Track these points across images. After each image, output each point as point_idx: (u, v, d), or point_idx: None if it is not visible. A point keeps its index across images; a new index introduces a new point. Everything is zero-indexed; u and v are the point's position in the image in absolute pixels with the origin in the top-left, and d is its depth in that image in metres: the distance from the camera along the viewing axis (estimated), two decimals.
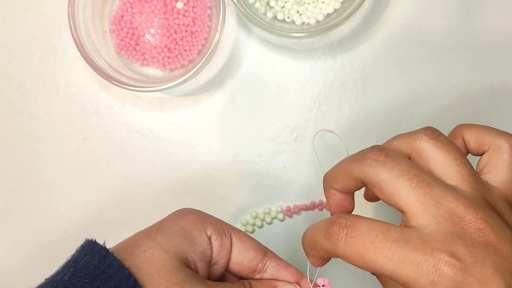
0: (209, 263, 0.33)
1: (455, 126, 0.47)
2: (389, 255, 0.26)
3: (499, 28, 0.47)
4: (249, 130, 0.48)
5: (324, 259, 0.33)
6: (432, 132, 0.31)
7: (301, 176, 0.48)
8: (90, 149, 0.48)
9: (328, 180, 0.33)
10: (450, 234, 0.26)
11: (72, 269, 0.29)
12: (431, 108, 0.47)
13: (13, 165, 0.49)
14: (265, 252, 0.35)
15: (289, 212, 0.47)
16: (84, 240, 0.31)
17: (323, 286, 0.35)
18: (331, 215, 0.34)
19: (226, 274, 0.36)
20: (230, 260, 0.34)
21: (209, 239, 0.33)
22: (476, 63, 0.47)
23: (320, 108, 0.48)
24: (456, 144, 0.33)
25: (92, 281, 0.28)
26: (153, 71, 0.48)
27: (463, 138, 0.34)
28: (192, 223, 0.33)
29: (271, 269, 0.35)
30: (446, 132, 0.48)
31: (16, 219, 0.49)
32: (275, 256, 0.35)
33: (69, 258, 0.31)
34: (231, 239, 0.34)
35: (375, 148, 0.31)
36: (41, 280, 0.31)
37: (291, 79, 0.48)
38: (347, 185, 0.32)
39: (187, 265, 0.31)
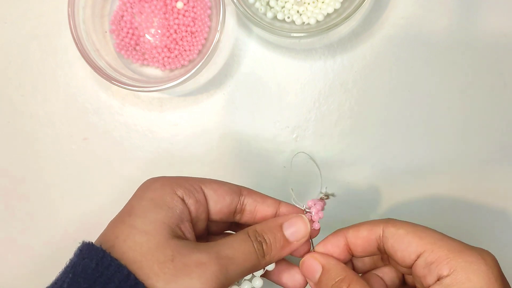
0: (192, 222, 0.32)
1: (455, 126, 0.47)
2: (436, 231, 0.31)
3: (499, 28, 0.47)
4: (249, 130, 0.48)
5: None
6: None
7: (301, 176, 0.48)
8: (90, 149, 0.48)
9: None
10: None
11: (71, 275, 0.28)
12: (431, 108, 0.47)
13: (13, 165, 0.49)
14: (240, 192, 0.34)
15: None
16: (81, 243, 0.30)
17: (314, 205, 0.35)
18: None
19: (210, 224, 0.35)
20: (210, 211, 0.33)
21: (182, 200, 0.32)
22: (476, 63, 0.47)
23: (320, 108, 0.48)
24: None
25: (91, 285, 0.27)
26: (153, 71, 0.48)
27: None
28: (160, 190, 0.32)
29: (249, 206, 0.34)
30: (447, 133, 0.48)
31: (16, 218, 0.49)
32: (250, 193, 0.35)
33: (67, 263, 0.30)
34: (203, 193, 0.33)
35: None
36: (41, 280, 0.31)
37: (291, 79, 0.48)
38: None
39: (172, 234, 0.30)
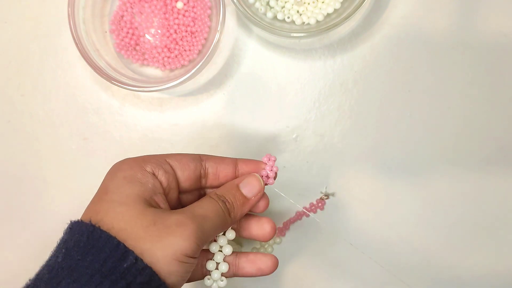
0: (164, 194, 0.35)
1: (455, 126, 0.48)
2: None
3: (499, 28, 0.47)
4: (249, 130, 0.48)
5: None
6: None
7: (301, 176, 0.48)
8: (90, 149, 0.48)
9: None
10: None
11: (64, 250, 0.31)
12: (431, 108, 0.47)
13: (13, 165, 0.49)
14: (200, 158, 0.37)
15: (283, 232, 0.48)
16: (70, 222, 0.33)
17: (266, 162, 0.38)
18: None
19: (181, 196, 0.38)
20: (179, 180, 0.36)
21: (153, 174, 0.34)
22: (476, 63, 0.47)
23: (320, 108, 0.48)
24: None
25: (84, 256, 0.29)
26: (153, 71, 0.48)
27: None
28: (130, 169, 0.34)
29: (211, 169, 0.38)
30: (447, 133, 0.48)
31: (16, 218, 0.49)
32: (209, 157, 0.38)
33: (58, 241, 0.32)
34: (170, 165, 0.36)
35: None
36: None
37: (291, 79, 0.48)
38: None
39: (148, 205, 0.32)
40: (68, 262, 0.30)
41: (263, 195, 0.38)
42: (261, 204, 0.38)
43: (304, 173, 0.48)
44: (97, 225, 0.31)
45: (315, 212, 0.48)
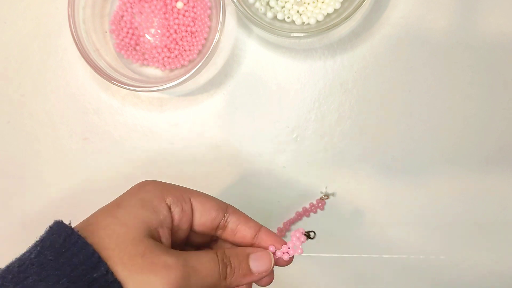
0: (171, 229, 0.34)
1: (455, 126, 0.48)
2: None
3: (499, 28, 0.47)
4: (249, 130, 0.48)
5: None
6: None
7: (301, 176, 0.48)
8: (90, 149, 0.48)
9: None
10: None
11: (39, 248, 0.31)
12: (431, 108, 0.47)
13: (13, 165, 0.49)
14: (225, 209, 0.36)
15: (283, 233, 0.48)
16: (53, 222, 0.32)
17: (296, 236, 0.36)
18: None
19: (191, 234, 0.37)
20: (193, 223, 0.35)
21: (169, 207, 0.34)
22: (476, 63, 0.47)
23: (320, 108, 0.48)
24: None
25: (57, 258, 0.29)
26: (153, 71, 0.48)
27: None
28: (151, 193, 0.33)
29: (231, 224, 0.36)
30: (447, 133, 0.48)
31: (16, 219, 0.49)
32: (235, 212, 0.36)
33: (37, 238, 0.32)
34: (191, 204, 0.35)
35: None
36: None
37: (291, 79, 0.48)
38: None
39: (149, 234, 0.32)
40: (40, 259, 0.30)
41: (270, 273, 0.36)
42: (265, 280, 0.36)
43: (304, 173, 0.48)
44: (82, 232, 0.30)
45: (315, 212, 0.48)
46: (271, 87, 0.48)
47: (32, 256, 0.30)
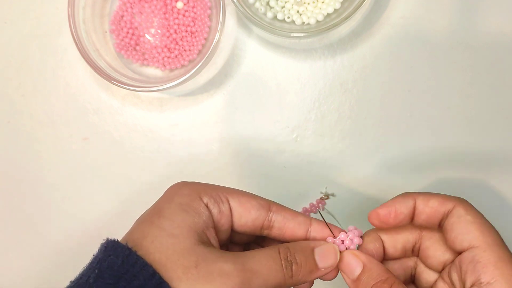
0: (216, 229, 0.33)
1: (455, 126, 0.47)
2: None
3: (499, 28, 0.47)
4: (249, 130, 0.48)
5: None
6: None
7: (301, 176, 0.48)
8: (90, 149, 0.48)
9: None
10: None
11: (97, 271, 0.29)
12: (431, 108, 0.47)
13: (13, 165, 0.49)
14: (268, 207, 0.34)
15: None
16: (105, 240, 0.31)
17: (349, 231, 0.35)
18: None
19: (235, 234, 0.35)
20: (234, 224, 0.33)
21: (207, 206, 0.32)
22: (476, 63, 0.47)
23: (320, 108, 0.48)
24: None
25: (117, 281, 0.28)
26: (153, 71, 0.48)
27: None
28: (188, 196, 0.32)
29: (278, 224, 0.34)
30: (447, 133, 0.48)
31: (16, 219, 0.49)
32: (280, 209, 0.34)
33: (92, 259, 0.30)
34: (229, 204, 0.33)
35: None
36: (40, 278, 0.31)
37: (291, 79, 0.48)
38: None
39: (199, 240, 0.30)
40: (100, 284, 0.28)
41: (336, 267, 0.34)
42: (331, 273, 0.34)
43: (304, 173, 0.48)
44: (133, 249, 0.29)
45: (315, 212, 0.48)
46: (271, 87, 0.48)
47: (91, 280, 0.28)
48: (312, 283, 0.35)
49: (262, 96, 0.48)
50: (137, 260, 0.28)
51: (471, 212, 0.32)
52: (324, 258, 0.33)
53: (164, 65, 0.47)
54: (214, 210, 0.32)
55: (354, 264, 0.33)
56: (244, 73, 0.48)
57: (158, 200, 0.33)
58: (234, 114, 0.48)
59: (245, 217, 0.33)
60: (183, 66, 0.47)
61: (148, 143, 0.48)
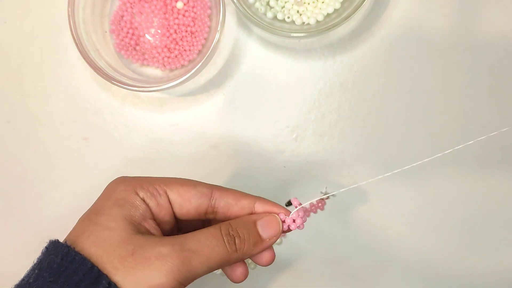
0: (158, 221, 0.33)
1: (455, 126, 0.47)
2: None
3: (499, 28, 0.47)
4: (249, 130, 0.48)
5: None
6: None
7: (301, 176, 0.48)
8: (90, 149, 0.48)
9: None
10: None
11: (37, 271, 0.30)
12: (431, 108, 0.47)
13: (13, 165, 0.49)
14: (210, 194, 0.34)
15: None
16: (48, 241, 0.32)
17: (296, 206, 0.35)
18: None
19: (182, 221, 0.35)
20: (175, 214, 0.33)
21: (144, 201, 0.32)
22: (476, 63, 0.47)
23: (320, 108, 0.48)
24: None
25: (57, 279, 0.28)
26: (153, 71, 0.48)
27: None
28: (123, 192, 0.32)
29: (222, 209, 0.34)
30: (447, 133, 0.48)
31: (16, 219, 0.49)
32: (222, 195, 0.34)
33: (35, 261, 0.31)
34: (167, 197, 0.33)
35: None
36: None
37: (291, 79, 0.48)
38: None
39: (136, 231, 0.31)
40: (40, 283, 0.29)
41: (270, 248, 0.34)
42: (266, 256, 0.35)
43: (304, 173, 0.48)
44: (72, 246, 0.30)
45: (315, 212, 0.48)
46: (271, 87, 0.48)
47: (31, 280, 0.29)
48: (273, 256, 0.35)
49: (262, 96, 0.48)
50: (75, 256, 0.29)
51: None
52: (267, 228, 0.33)
53: (164, 65, 0.47)
54: (152, 204, 0.33)
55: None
56: (244, 73, 0.48)
57: (97, 198, 0.34)
58: (234, 114, 0.48)
59: (186, 207, 0.33)
60: (183, 66, 0.47)
61: (148, 143, 0.48)
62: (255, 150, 0.48)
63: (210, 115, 0.48)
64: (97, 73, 0.44)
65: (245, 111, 0.48)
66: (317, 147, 0.48)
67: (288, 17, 0.46)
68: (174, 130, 0.48)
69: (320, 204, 0.48)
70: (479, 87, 0.47)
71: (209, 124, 0.48)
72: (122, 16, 0.47)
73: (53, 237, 0.47)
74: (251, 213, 0.34)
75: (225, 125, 0.48)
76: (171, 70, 0.47)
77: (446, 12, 0.47)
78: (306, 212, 0.48)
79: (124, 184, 0.33)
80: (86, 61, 0.44)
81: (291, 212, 0.35)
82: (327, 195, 0.48)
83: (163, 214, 0.33)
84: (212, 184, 0.35)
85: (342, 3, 0.46)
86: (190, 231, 0.36)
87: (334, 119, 0.48)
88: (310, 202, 0.48)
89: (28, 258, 0.49)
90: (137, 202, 0.32)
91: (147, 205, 0.32)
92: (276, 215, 0.34)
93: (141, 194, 0.32)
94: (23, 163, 0.49)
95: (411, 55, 0.47)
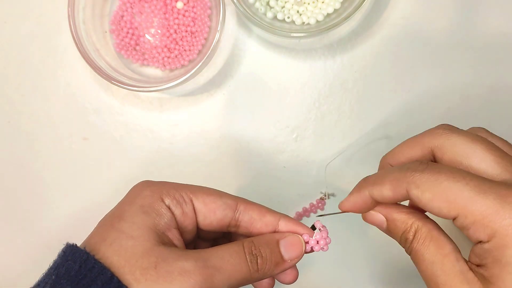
0: (181, 230, 0.32)
1: (455, 126, 0.47)
2: (469, 183, 0.26)
3: (499, 28, 0.47)
4: (249, 130, 0.48)
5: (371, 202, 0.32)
6: (450, 127, 0.32)
7: (301, 176, 0.48)
8: (90, 149, 0.48)
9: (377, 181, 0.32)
10: None
11: (54, 277, 0.28)
12: (431, 108, 0.47)
13: (13, 165, 0.49)
14: (235, 207, 0.33)
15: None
16: (65, 245, 0.30)
17: (320, 228, 0.34)
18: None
19: (202, 231, 0.34)
20: (199, 224, 0.33)
21: (169, 208, 0.32)
22: (476, 63, 0.47)
23: (320, 108, 0.48)
24: None
25: (74, 287, 0.27)
26: (153, 71, 0.48)
27: None
28: (149, 197, 0.31)
29: (245, 224, 0.33)
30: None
31: (16, 219, 0.49)
32: (247, 208, 0.33)
33: (51, 264, 0.30)
34: (193, 205, 0.32)
35: (443, 124, 0.31)
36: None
37: (291, 79, 0.48)
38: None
39: (159, 241, 0.30)
40: None
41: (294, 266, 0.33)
42: (290, 275, 0.34)
43: (304, 173, 0.48)
44: (92, 253, 0.29)
45: (315, 212, 0.48)
46: (271, 87, 0.48)
47: (48, 287, 0.28)
48: (296, 275, 0.34)
49: (262, 96, 0.48)
50: (94, 265, 0.28)
51: (425, 188, 0.29)
52: (289, 249, 0.32)
53: (164, 65, 0.47)
54: (177, 212, 0.32)
55: (378, 219, 0.34)
56: (244, 73, 0.48)
57: (120, 202, 0.33)
58: (234, 114, 0.48)
59: (210, 218, 0.32)
60: (183, 66, 0.47)
61: (148, 143, 0.48)
62: (255, 150, 0.48)
63: (210, 115, 0.48)
64: (97, 73, 0.44)
65: (245, 111, 0.48)
66: (317, 147, 0.48)
67: (288, 17, 0.46)
68: (174, 130, 0.48)
69: (320, 204, 0.48)
70: (479, 87, 0.47)
71: (209, 124, 0.48)
72: (122, 16, 0.47)
73: (53, 237, 0.47)
74: (274, 231, 0.33)
75: (225, 125, 0.48)
76: (171, 70, 0.48)
77: (446, 12, 0.47)
78: (306, 211, 0.48)
79: (150, 189, 0.32)
80: (86, 61, 0.44)
81: (314, 233, 0.34)
82: (327, 195, 0.48)
83: (187, 223, 0.32)
84: (237, 196, 0.34)
85: (342, 3, 0.46)
86: (210, 240, 0.36)
87: (334, 119, 0.48)
88: (310, 202, 0.48)
89: (27, 258, 0.49)
90: (163, 210, 0.31)
91: (172, 213, 0.31)
92: (300, 236, 0.33)
93: (167, 201, 0.32)
94: (23, 163, 0.49)
95: (411, 55, 0.47)
